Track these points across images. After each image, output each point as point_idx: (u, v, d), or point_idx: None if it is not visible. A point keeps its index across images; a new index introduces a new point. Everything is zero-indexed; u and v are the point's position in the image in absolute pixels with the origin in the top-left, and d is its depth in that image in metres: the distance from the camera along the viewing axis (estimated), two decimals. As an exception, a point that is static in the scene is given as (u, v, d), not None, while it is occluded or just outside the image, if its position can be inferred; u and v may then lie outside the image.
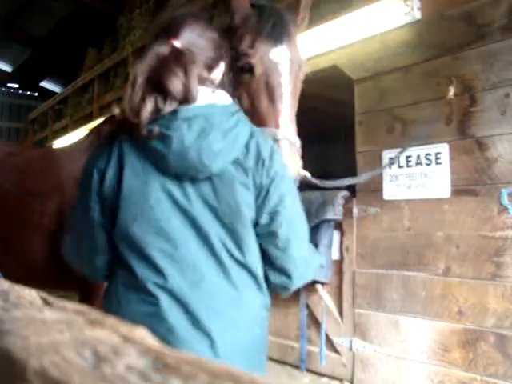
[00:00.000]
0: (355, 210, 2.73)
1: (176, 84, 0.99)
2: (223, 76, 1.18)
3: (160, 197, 1.02)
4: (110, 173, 1.04)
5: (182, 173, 1.01)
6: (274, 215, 1.06)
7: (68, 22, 6.77)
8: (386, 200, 2.61)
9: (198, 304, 1.00)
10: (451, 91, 2.29)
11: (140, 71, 1.00)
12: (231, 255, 1.03)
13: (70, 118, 6.76)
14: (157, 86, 1.00)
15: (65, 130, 6.65)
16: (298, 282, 1.15)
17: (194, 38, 1.09)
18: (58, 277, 1.94)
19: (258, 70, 1.37)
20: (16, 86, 10.50)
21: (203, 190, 1.03)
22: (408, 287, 2.47)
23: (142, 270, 1.01)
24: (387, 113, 2.63)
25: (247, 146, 1.04)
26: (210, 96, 1.06)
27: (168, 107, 1.00)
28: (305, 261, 1.14)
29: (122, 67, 5.53)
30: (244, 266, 1.05)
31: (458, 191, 2.32)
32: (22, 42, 8.01)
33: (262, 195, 1.05)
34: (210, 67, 1.12)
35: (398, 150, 2.49)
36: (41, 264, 1.98)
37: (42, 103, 8.43)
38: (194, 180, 1.02)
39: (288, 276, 1.11)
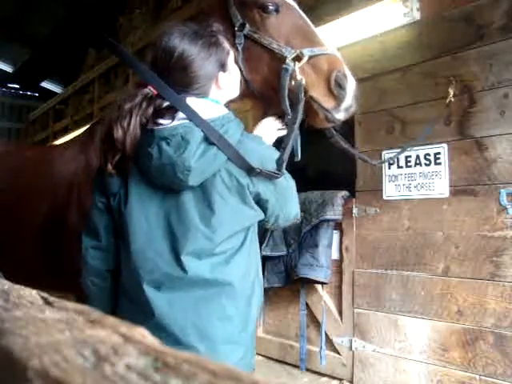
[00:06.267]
0: (355, 210, 2.74)
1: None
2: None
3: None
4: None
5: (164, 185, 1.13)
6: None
7: (68, 23, 6.76)
8: (385, 200, 2.61)
9: None
10: (451, 94, 2.29)
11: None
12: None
13: (70, 118, 6.75)
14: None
15: (65, 131, 6.64)
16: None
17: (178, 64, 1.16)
18: (51, 277, 1.93)
19: (284, 8, 1.59)
20: (16, 86, 10.48)
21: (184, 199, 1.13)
22: (407, 287, 2.47)
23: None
24: (387, 113, 2.63)
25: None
26: (198, 105, 1.12)
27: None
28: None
29: (122, 67, 5.51)
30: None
31: (458, 191, 2.32)
32: (23, 43, 8.01)
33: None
34: (222, 65, 1.21)
35: (398, 150, 2.49)
36: (34, 264, 1.97)
37: (42, 104, 8.40)
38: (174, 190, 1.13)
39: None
